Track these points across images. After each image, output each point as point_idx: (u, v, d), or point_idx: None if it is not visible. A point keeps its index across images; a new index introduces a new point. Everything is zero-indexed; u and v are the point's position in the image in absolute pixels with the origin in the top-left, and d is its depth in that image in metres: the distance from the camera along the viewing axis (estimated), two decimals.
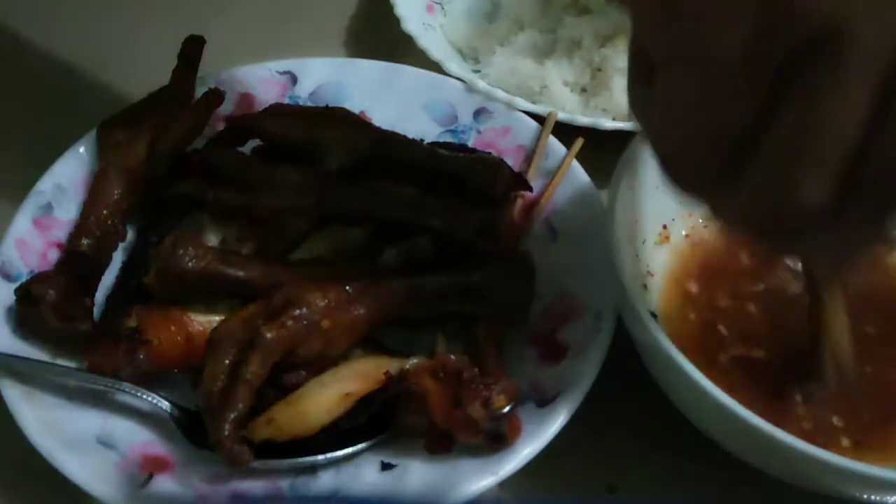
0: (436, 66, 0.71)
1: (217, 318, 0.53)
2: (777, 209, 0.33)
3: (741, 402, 0.44)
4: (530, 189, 0.62)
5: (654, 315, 0.49)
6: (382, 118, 0.67)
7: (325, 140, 0.61)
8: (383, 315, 0.54)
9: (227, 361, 0.50)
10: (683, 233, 0.59)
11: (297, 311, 0.51)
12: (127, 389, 0.53)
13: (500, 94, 0.69)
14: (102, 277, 0.59)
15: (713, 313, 0.56)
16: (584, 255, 0.58)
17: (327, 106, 0.66)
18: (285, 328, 0.50)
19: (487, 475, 0.49)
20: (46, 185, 0.61)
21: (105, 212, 0.59)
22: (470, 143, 0.67)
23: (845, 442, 0.50)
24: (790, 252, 0.37)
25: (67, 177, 0.62)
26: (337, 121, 0.63)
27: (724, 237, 0.59)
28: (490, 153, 0.64)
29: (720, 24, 0.31)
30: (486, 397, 0.49)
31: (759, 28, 0.30)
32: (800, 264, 0.47)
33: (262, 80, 0.69)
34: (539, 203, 0.62)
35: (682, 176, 0.35)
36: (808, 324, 0.48)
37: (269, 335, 0.50)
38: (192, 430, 0.52)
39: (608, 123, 0.68)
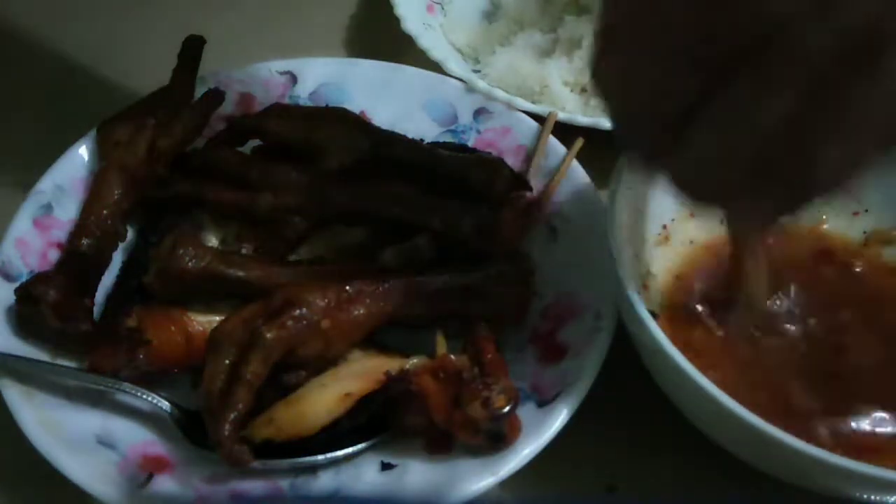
0: (436, 66, 0.71)
1: (217, 318, 0.53)
2: (700, 177, 0.39)
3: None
4: (530, 189, 0.62)
5: (654, 315, 0.49)
6: (382, 118, 0.67)
7: (325, 140, 0.61)
8: (383, 315, 0.54)
9: (227, 361, 0.50)
10: (683, 233, 0.59)
11: (297, 311, 0.51)
12: (127, 389, 0.53)
13: (500, 94, 0.69)
14: (102, 277, 0.59)
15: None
16: (584, 255, 0.58)
17: (327, 106, 0.66)
18: (285, 328, 0.50)
19: (487, 475, 0.49)
20: (46, 185, 0.61)
21: (105, 212, 0.59)
22: (470, 143, 0.67)
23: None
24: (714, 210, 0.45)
25: (67, 177, 0.62)
26: (337, 121, 0.63)
27: (722, 236, 0.59)
28: (490, 153, 0.64)
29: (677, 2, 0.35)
30: (486, 397, 0.49)
31: (711, 16, 0.34)
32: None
33: (262, 80, 0.69)
34: (539, 203, 0.62)
35: (630, 134, 0.40)
36: (730, 268, 0.54)
37: (269, 335, 0.50)
38: (192, 430, 0.52)
39: (608, 123, 0.68)
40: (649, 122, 0.38)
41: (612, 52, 0.38)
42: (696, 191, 0.40)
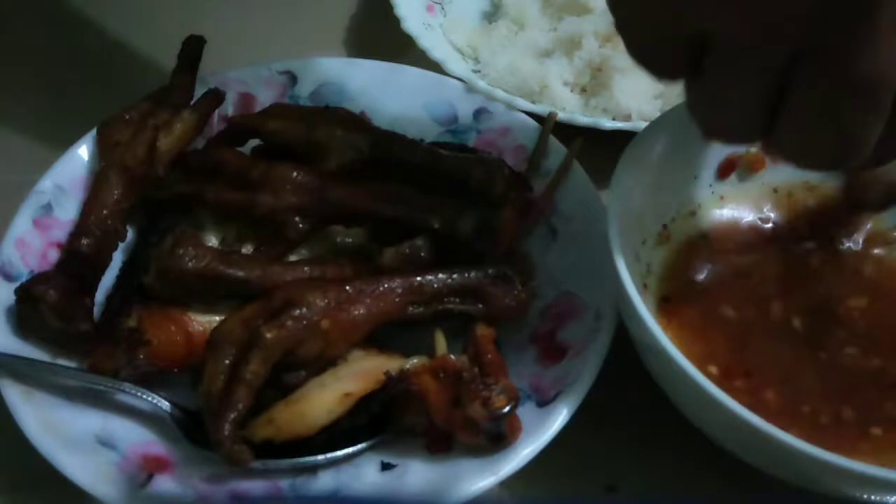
0: (436, 66, 0.71)
1: (217, 318, 0.53)
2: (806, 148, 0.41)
3: None
4: (530, 189, 0.62)
5: (654, 315, 0.49)
6: (382, 118, 0.67)
7: (325, 140, 0.61)
8: (383, 315, 0.54)
9: (227, 361, 0.50)
10: (683, 232, 0.59)
11: (297, 311, 0.51)
12: (127, 389, 0.53)
13: (500, 94, 0.69)
14: (102, 277, 0.59)
15: (713, 313, 0.56)
16: (584, 255, 0.58)
17: (327, 106, 0.66)
18: (285, 328, 0.50)
19: (487, 475, 0.49)
20: (46, 185, 0.61)
21: (105, 212, 0.59)
22: (470, 143, 0.67)
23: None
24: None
25: (67, 177, 0.62)
26: (337, 121, 0.62)
27: (723, 236, 0.59)
28: (490, 153, 0.64)
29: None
30: (486, 397, 0.49)
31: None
32: None
33: (262, 80, 0.69)
34: (539, 203, 0.62)
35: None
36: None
37: (268, 335, 0.50)
38: (192, 430, 0.52)
39: (608, 123, 0.68)
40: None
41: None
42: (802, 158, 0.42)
